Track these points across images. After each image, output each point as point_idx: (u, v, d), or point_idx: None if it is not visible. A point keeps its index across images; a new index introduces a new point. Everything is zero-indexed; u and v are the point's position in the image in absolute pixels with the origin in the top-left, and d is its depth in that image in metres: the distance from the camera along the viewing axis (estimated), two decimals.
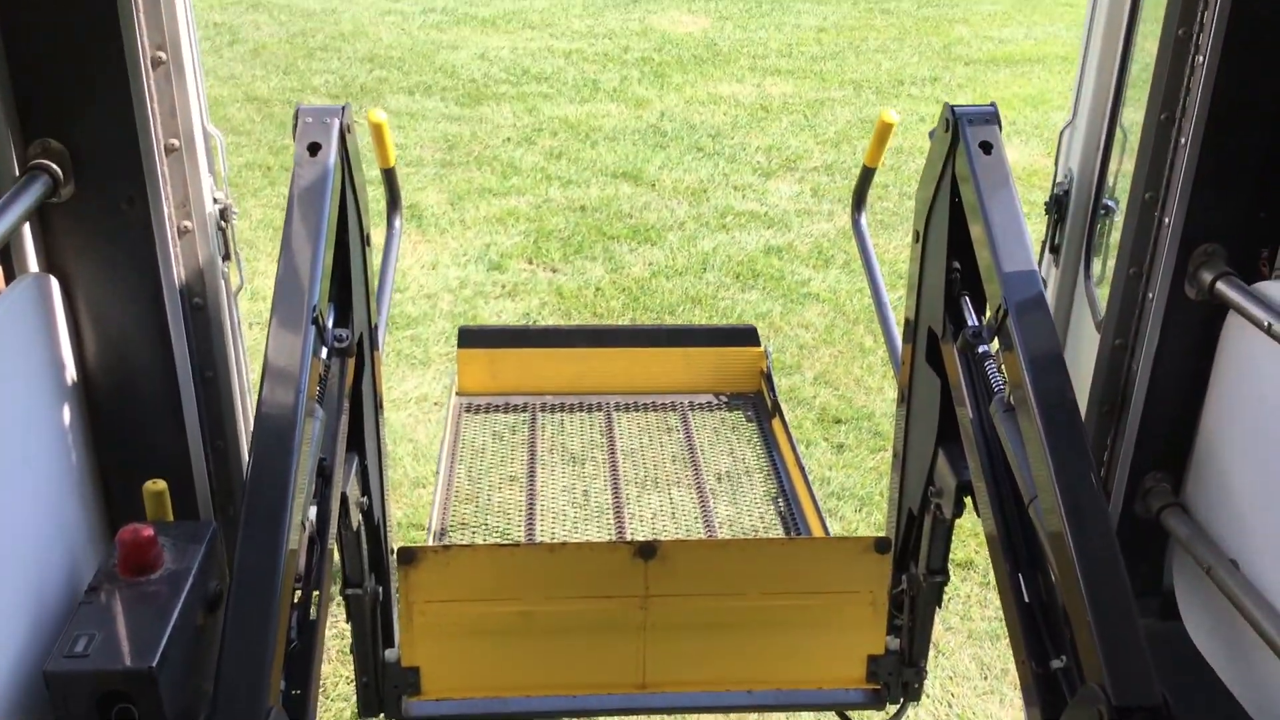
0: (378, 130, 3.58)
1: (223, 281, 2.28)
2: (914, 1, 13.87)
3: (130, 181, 2.04)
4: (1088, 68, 2.48)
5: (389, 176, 3.78)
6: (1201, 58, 2.08)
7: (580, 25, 12.51)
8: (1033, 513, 1.97)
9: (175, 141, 2.10)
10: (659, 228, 7.51)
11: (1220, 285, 2.12)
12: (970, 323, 2.33)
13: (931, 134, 2.43)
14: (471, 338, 4.07)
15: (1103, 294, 2.46)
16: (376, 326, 2.66)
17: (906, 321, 2.62)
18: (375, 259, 2.77)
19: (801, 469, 3.53)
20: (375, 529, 2.62)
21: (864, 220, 3.76)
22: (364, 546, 2.54)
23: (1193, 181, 2.13)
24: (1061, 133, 2.58)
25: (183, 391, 2.19)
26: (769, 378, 4.00)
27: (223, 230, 2.27)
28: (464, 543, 3.18)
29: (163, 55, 2.04)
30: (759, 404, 4.03)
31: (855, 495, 4.84)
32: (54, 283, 2.07)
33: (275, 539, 1.71)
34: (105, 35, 1.93)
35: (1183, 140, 2.14)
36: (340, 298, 2.33)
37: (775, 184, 8.29)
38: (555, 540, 3.20)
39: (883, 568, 2.46)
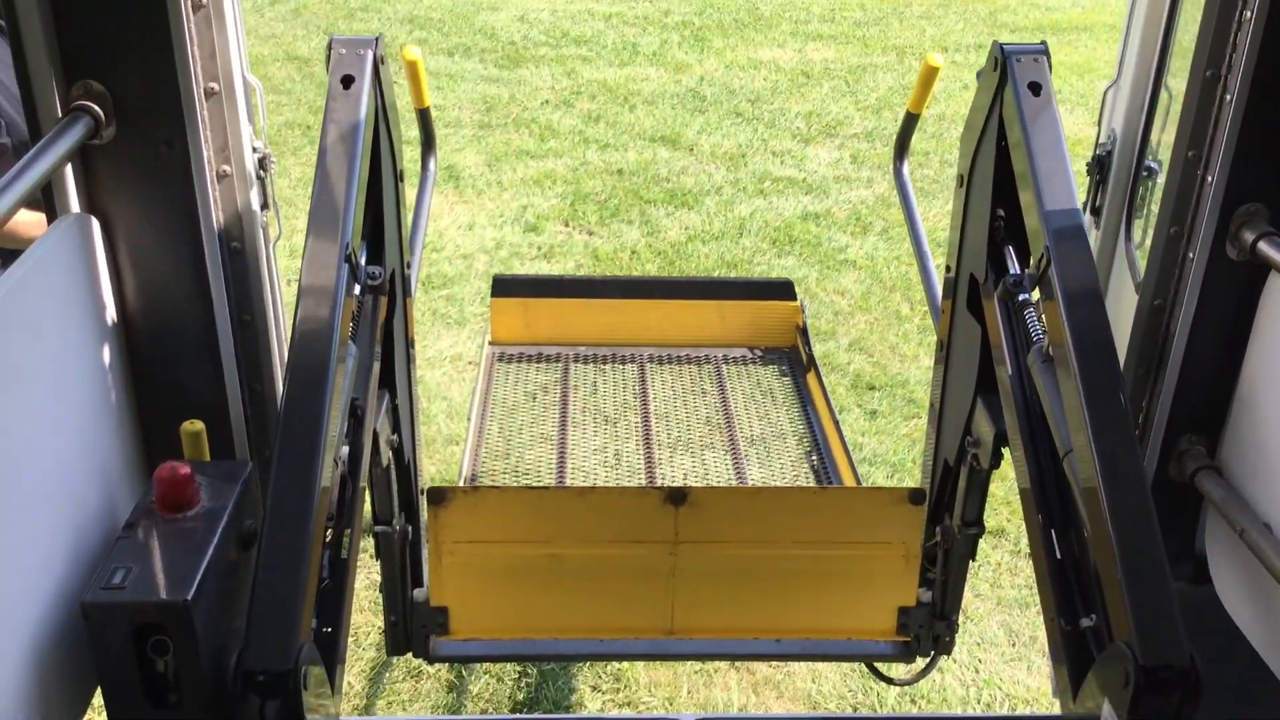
0: (412, 68, 3.52)
1: (261, 229, 2.30)
2: None
3: (170, 124, 2.05)
4: (1133, 29, 2.44)
5: (424, 117, 3.73)
6: (1249, 12, 2.04)
7: None
8: (1067, 467, 1.94)
9: (215, 86, 2.11)
10: (696, 192, 7.49)
11: (1262, 245, 2.08)
12: (1012, 271, 2.28)
13: (979, 74, 2.37)
14: (505, 286, 4.06)
15: (1142, 257, 2.43)
16: (409, 264, 2.64)
17: (947, 268, 2.57)
18: (409, 195, 2.75)
19: (836, 425, 3.50)
20: (405, 468, 2.62)
21: (906, 168, 3.66)
22: (394, 485, 2.54)
23: (1236, 140, 2.10)
24: (1105, 93, 2.55)
25: (220, 334, 2.21)
26: (804, 332, 3.96)
27: (261, 180, 2.28)
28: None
29: None
30: (794, 359, 3.99)
31: (887, 461, 4.83)
32: (95, 223, 2.09)
33: (309, 477, 1.73)
34: None
35: (1228, 98, 2.11)
36: (373, 235, 2.31)
37: (814, 150, 8.23)
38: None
39: (916, 519, 2.42)
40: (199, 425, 2.07)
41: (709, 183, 7.65)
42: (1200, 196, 2.19)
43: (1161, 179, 2.37)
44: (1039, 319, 2.17)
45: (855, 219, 7.14)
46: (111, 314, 2.15)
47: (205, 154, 2.12)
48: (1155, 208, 2.38)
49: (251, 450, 2.36)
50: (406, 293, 2.56)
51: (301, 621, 1.66)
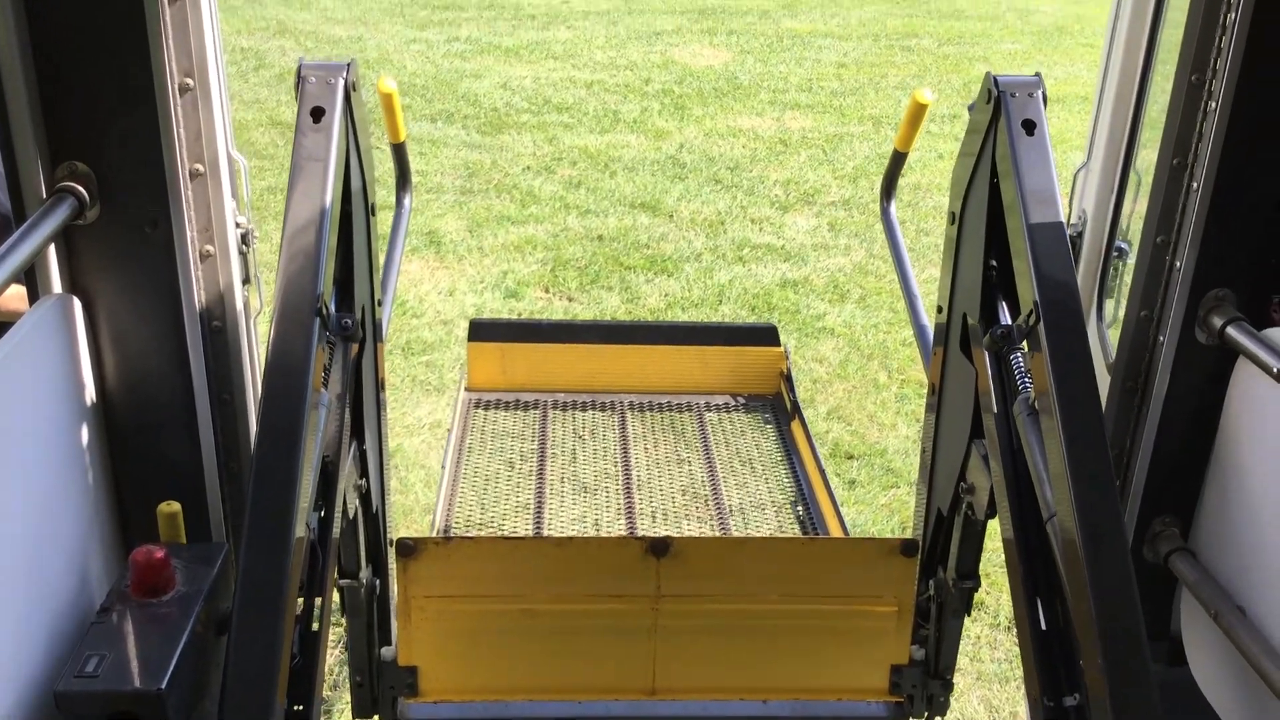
0: (388, 101, 3.41)
1: (242, 305, 2.31)
2: (934, 39, 13.95)
3: (155, 205, 2.07)
4: (1103, 111, 2.50)
5: (399, 152, 3.63)
6: (1214, 104, 2.10)
7: (602, 57, 12.62)
8: (1050, 530, 1.92)
9: (200, 167, 2.14)
10: (676, 259, 7.55)
11: (1230, 330, 2.12)
12: (1003, 320, 2.22)
13: (971, 107, 2.30)
14: (483, 331, 3.95)
15: (1114, 336, 2.47)
16: (381, 304, 2.55)
17: (938, 309, 2.51)
18: (383, 225, 2.66)
19: (822, 474, 3.41)
20: (373, 517, 2.52)
21: (893, 208, 3.59)
22: (361, 536, 2.44)
23: (1204, 226, 2.14)
24: (1076, 174, 2.60)
25: (199, 414, 2.21)
26: (788, 379, 3.86)
27: (243, 254, 2.30)
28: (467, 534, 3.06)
29: (190, 82, 2.08)
30: (778, 406, 3.89)
31: (866, 532, 4.84)
32: (76, 303, 2.10)
33: (279, 557, 1.71)
34: (135, 62, 1.98)
35: (1194, 185, 2.16)
36: (343, 273, 2.25)
37: (793, 218, 8.32)
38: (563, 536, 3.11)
39: (909, 571, 2.33)
40: (175, 506, 2.06)
41: (689, 249, 7.72)
42: (1169, 281, 2.24)
43: (1132, 259, 2.41)
44: (1027, 369, 2.13)
45: (833, 286, 7.21)
46: (91, 394, 2.15)
47: (189, 234, 2.13)
48: (1127, 288, 2.43)
49: (228, 531, 2.35)
50: (378, 335, 2.50)
51: (273, 706, 1.65)
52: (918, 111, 3.30)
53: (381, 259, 2.92)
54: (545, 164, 9.26)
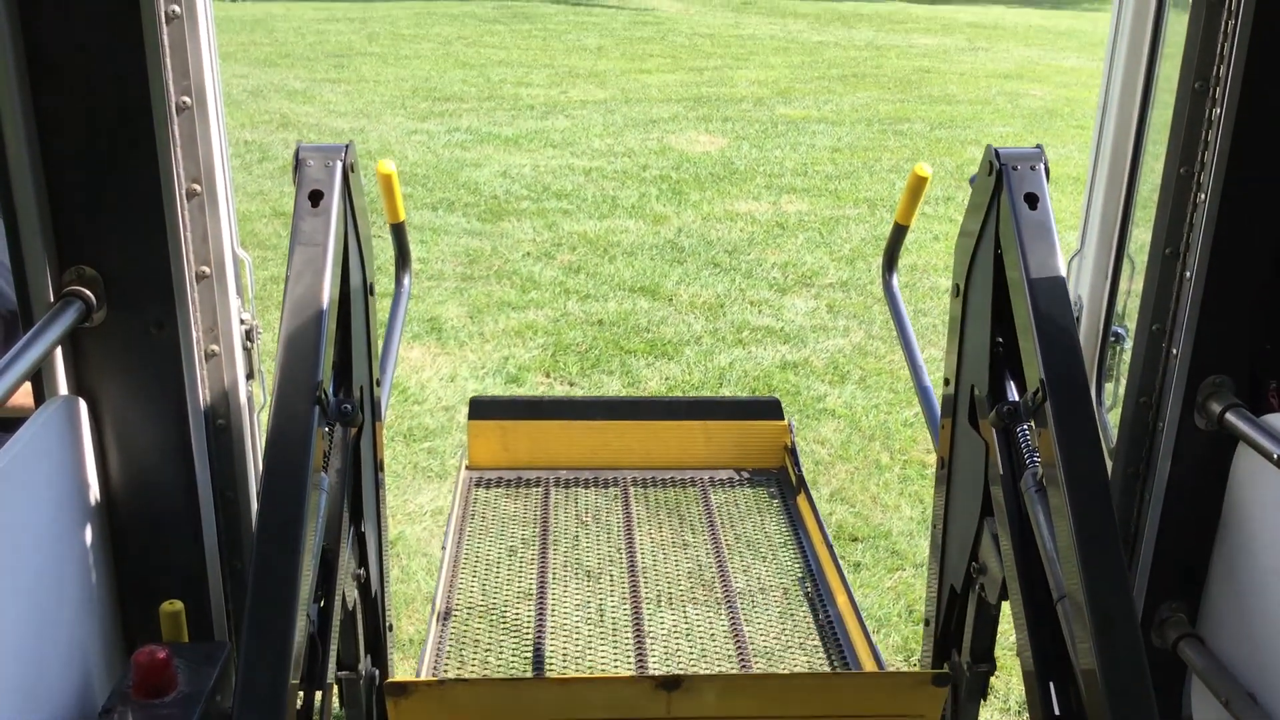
0: (387, 182, 3.43)
1: (246, 401, 2.33)
2: (926, 123, 14.17)
3: (161, 307, 2.10)
4: (1094, 196, 2.54)
5: (398, 232, 3.62)
6: (1203, 195, 2.13)
7: (600, 144, 12.82)
8: (1060, 612, 1.89)
9: (206, 269, 2.17)
10: (675, 342, 7.58)
11: (1229, 416, 2.13)
12: (1010, 395, 2.18)
13: (973, 179, 2.28)
14: (483, 409, 3.90)
15: (1114, 420, 2.48)
16: (380, 384, 2.52)
17: (945, 381, 2.48)
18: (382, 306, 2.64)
19: (830, 549, 3.36)
20: (373, 604, 2.46)
21: (895, 281, 3.59)
22: (360, 626, 2.37)
23: (1198, 314, 2.17)
24: (1070, 260, 2.63)
25: (203, 512, 2.22)
26: (793, 452, 3.83)
27: (247, 350, 2.32)
28: (466, 675, 2.94)
29: (198, 187, 2.12)
30: (783, 480, 3.84)
31: (873, 616, 4.79)
32: (82, 405, 2.11)
33: (279, 655, 1.69)
34: (144, 169, 2.02)
35: (1187, 274, 2.19)
36: (342, 356, 2.23)
37: (791, 300, 8.38)
38: (566, 645, 3.05)
39: (938, 700, 2.21)
40: (178, 605, 2.06)
41: (688, 332, 7.76)
42: (1166, 368, 2.25)
43: (1129, 344, 2.43)
44: (1034, 445, 2.10)
45: (833, 368, 7.24)
46: (96, 494, 2.15)
47: (194, 335, 2.16)
48: (1126, 368, 2.44)
49: (231, 630, 2.34)
50: (376, 416, 2.46)
51: None
52: (917, 185, 3.32)
53: (381, 340, 2.91)
54: (545, 250, 9.35)
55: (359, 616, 2.37)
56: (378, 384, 2.48)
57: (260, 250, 8.88)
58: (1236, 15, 2.03)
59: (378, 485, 2.50)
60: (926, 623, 2.54)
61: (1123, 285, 2.52)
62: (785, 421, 3.97)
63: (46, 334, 1.93)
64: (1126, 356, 2.44)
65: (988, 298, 2.24)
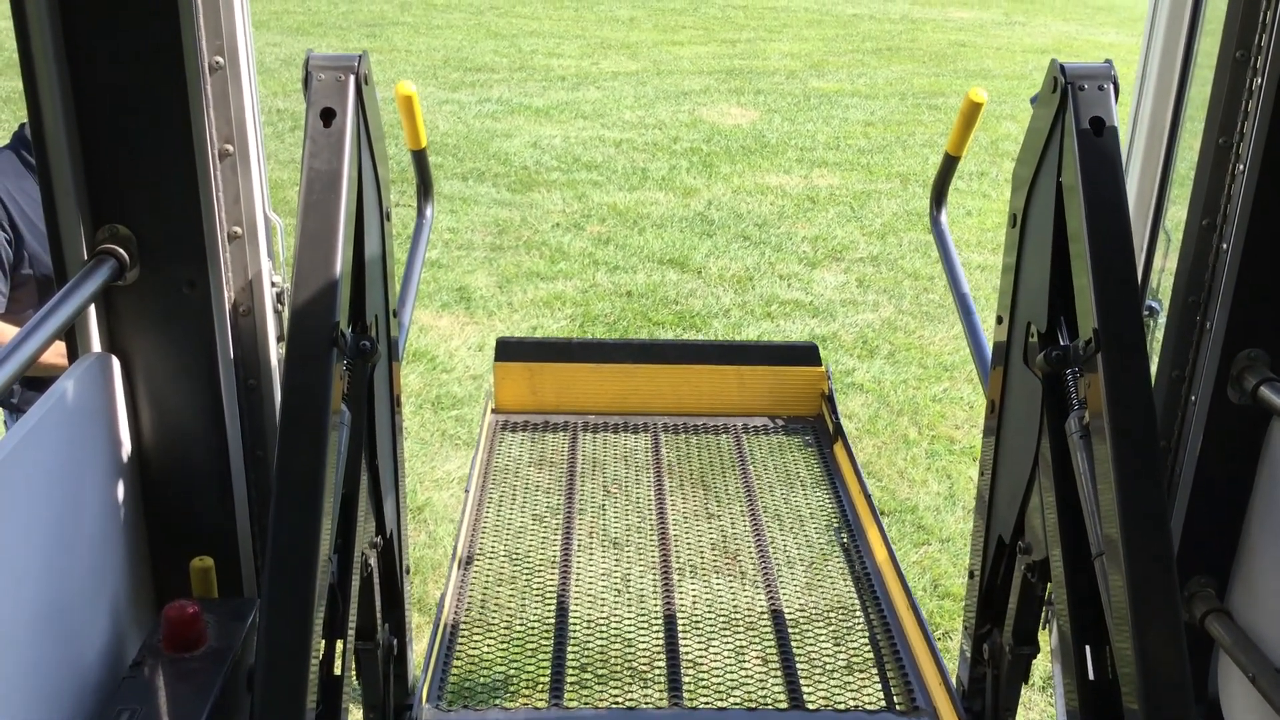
0: (407, 104, 3.21)
1: (277, 362, 2.34)
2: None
3: (193, 266, 2.11)
4: (1131, 170, 2.51)
5: (419, 159, 3.45)
6: (1242, 166, 2.10)
7: (631, 116, 12.77)
8: (1098, 567, 1.85)
9: (238, 229, 2.18)
10: (704, 315, 7.57)
11: (1263, 390, 2.11)
12: (1061, 339, 2.06)
13: (1033, 100, 2.13)
14: (510, 350, 3.74)
15: None
16: (397, 314, 2.39)
17: (998, 320, 2.35)
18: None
19: (867, 498, 3.26)
20: (391, 562, 2.40)
21: (944, 217, 3.40)
22: (376, 591, 2.34)
23: (1234, 287, 2.14)
24: None
25: (233, 470, 2.24)
26: (830, 400, 3.70)
27: (278, 312, 2.34)
28: (486, 623, 2.89)
29: (230, 148, 2.13)
30: (819, 429, 3.71)
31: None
32: (115, 362, 2.14)
33: (301, 610, 1.69)
34: (177, 129, 2.03)
35: (1224, 246, 2.16)
36: (357, 286, 2.12)
37: (821, 274, 8.34)
38: (591, 611, 2.94)
39: None
40: (209, 562, 2.08)
41: (716, 305, 7.74)
42: (1200, 341, 2.23)
43: (1163, 319, 2.41)
44: (1082, 394, 2.00)
45: (862, 342, 7.21)
46: (127, 450, 2.18)
47: (226, 295, 2.17)
48: (1158, 344, 2.42)
49: (260, 586, 2.37)
50: (393, 353, 2.36)
51: None
52: (971, 112, 3.11)
53: (400, 269, 2.76)
54: (575, 221, 9.35)
55: (375, 580, 2.31)
56: (394, 315, 2.37)
57: (291, 218, 8.89)
58: None
59: (395, 426, 2.39)
60: (971, 575, 2.43)
61: (1157, 262, 2.50)
62: (823, 368, 3.82)
63: (79, 292, 1.95)
64: (1159, 332, 2.41)
65: (1048, 229, 2.08)
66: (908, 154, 11.54)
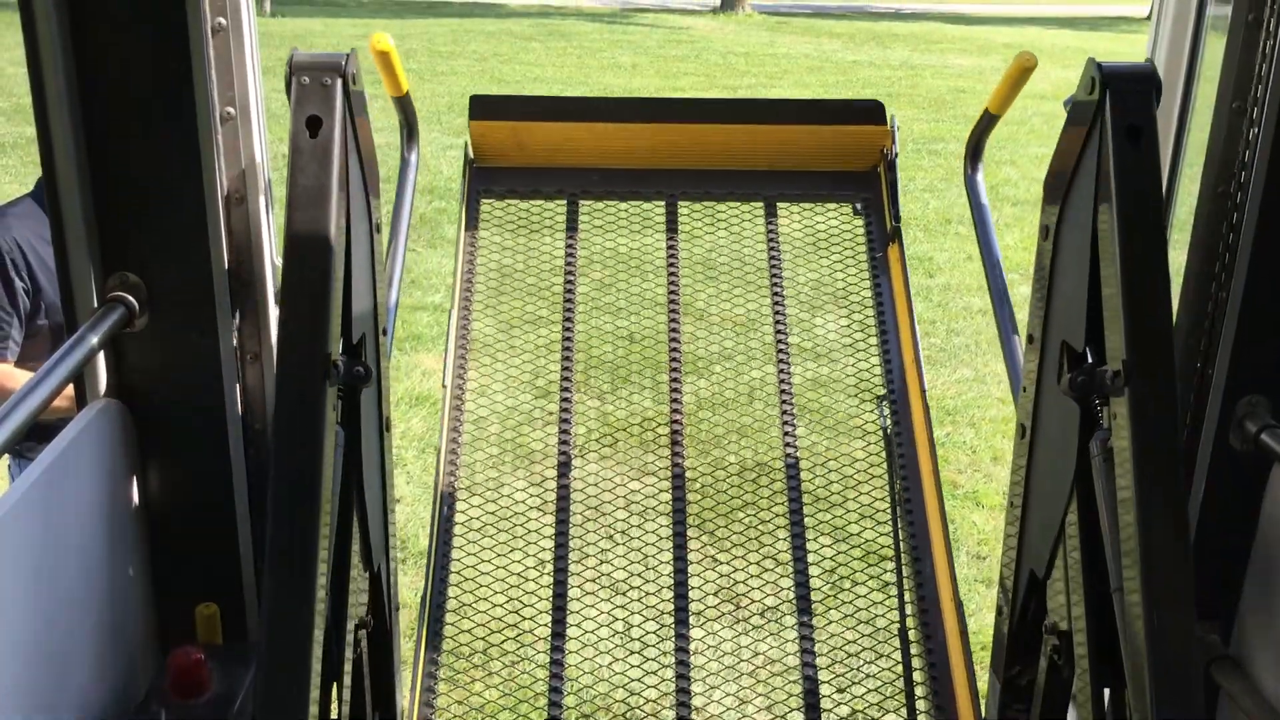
0: (385, 58, 2.96)
1: None
2: (961, 143, 14.09)
3: (202, 313, 2.13)
4: None
5: (402, 104, 3.19)
6: (1239, 216, 2.13)
7: None
8: (1115, 603, 1.81)
9: (246, 275, 2.21)
10: (706, 359, 7.59)
11: (1264, 437, 2.12)
12: (1088, 358, 1.98)
13: (1068, 101, 2.03)
14: (488, 107, 3.10)
15: None
16: (384, 330, 2.27)
17: (1029, 338, 2.23)
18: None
19: (914, 340, 2.97)
20: (379, 609, 2.28)
21: (980, 176, 3.13)
22: (366, 672, 2.22)
23: (1235, 333, 2.16)
24: None
25: (238, 515, 2.25)
26: (892, 169, 3.20)
27: None
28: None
29: (240, 193, 2.16)
30: (875, 207, 3.07)
31: None
32: (123, 409, 2.15)
33: (300, 662, 1.68)
34: (187, 176, 2.06)
35: (1224, 294, 2.18)
36: (346, 308, 2.00)
37: (823, 318, 8.36)
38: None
39: None
40: (213, 608, 2.09)
41: (719, 349, 7.76)
42: (1202, 387, 2.24)
43: None
44: (1105, 419, 1.93)
45: (867, 390, 7.21)
46: (135, 496, 2.19)
47: (235, 342, 2.19)
48: None
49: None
50: (380, 375, 2.22)
51: None
52: (1020, 75, 2.89)
53: (384, 275, 2.54)
54: (578, 265, 9.38)
55: (365, 666, 2.17)
56: (384, 334, 2.25)
57: None
58: (1275, 36, 2.03)
59: (383, 450, 2.27)
60: (999, 611, 2.33)
61: None
62: (887, 125, 3.21)
63: (89, 338, 1.97)
64: None
65: (1084, 242, 1.95)
66: (908, 199, 11.61)
